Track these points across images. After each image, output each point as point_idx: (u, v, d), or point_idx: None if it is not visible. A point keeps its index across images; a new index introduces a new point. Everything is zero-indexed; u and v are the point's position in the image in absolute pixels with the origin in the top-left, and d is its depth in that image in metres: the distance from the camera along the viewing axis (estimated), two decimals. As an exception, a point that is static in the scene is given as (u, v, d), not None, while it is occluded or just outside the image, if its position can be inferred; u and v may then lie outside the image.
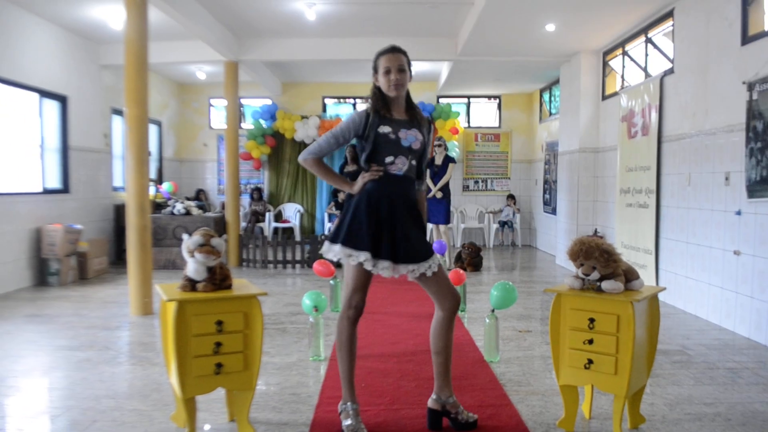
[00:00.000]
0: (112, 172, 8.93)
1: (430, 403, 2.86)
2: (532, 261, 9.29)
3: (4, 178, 6.62)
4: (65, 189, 7.68)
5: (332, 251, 2.75)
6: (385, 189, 2.75)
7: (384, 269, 2.69)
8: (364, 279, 2.76)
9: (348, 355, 2.81)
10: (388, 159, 2.76)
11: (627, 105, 6.80)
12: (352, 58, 8.68)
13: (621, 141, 6.93)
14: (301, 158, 2.87)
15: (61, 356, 4.08)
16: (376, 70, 2.83)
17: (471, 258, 7.90)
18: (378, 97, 2.82)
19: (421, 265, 2.72)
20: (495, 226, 11.15)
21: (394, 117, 2.82)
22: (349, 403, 2.80)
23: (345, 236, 2.73)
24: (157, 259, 7.85)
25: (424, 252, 2.75)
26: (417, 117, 2.86)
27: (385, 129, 2.76)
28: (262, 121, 10.96)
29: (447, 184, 7.89)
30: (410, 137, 2.78)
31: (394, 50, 2.81)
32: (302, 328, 4.80)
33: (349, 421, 2.75)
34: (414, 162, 2.83)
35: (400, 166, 2.77)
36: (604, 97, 7.87)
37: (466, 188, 11.64)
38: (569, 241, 2.69)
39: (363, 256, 2.67)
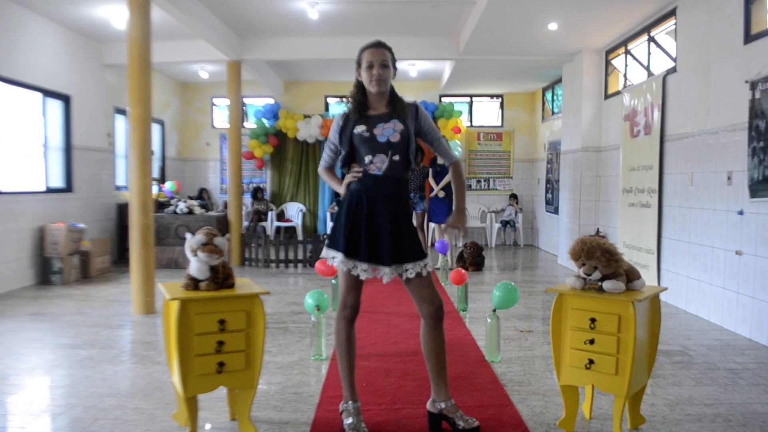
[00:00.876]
0: (115, 171, 8.95)
1: (428, 405, 2.85)
2: (534, 261, 9.28)
3: (8, 177, 6.64)
4: (68, 188, 7.71)
5: (324, 252, 2.84)
6: (366, 190, 2.73)
7: (363, 271, 2.70)
8: (354, 279, 2.75)
9: (347, 355, 2.81)
10: (367, 159, 2.73)
11: (629, 104, 6.79)
12: (355, 58, 8.66)
13: (623, 140, 6.93)
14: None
15: (64, 354, 4.10)
16: (359, 64, 2.80)
17: (473, 257, 7.90)
18: (358, 94, 2.79)
19: (398, 268, 2.70)
20: (497, 225, 11.15)
21: (371, 114, 2.78)
22: (350, 402, 2.81)
23: (330, 238, 2.81)
24: (160, 258, 7.87)
25: (405, 255, 2.69)
26: (397, 108, 2.78)
27: (359, 128, 2.74)
28: (264, 121, 10.97)
29: (449, 184, 7.90)
30: (387, 131, 2.72)
31: (378, 45, 2.77)
32: (304, 328, 4.81)
33: (350, 420, 2.76)
34: (397, 157, 2.72)
35: (378, 165, 2.72)
36: (607, 96, 7.86)
37: (468, 187, 11.63)
38: (571, 240, 2.68)
39: (339, 257, 2.71)
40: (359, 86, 2.81)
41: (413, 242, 2.74)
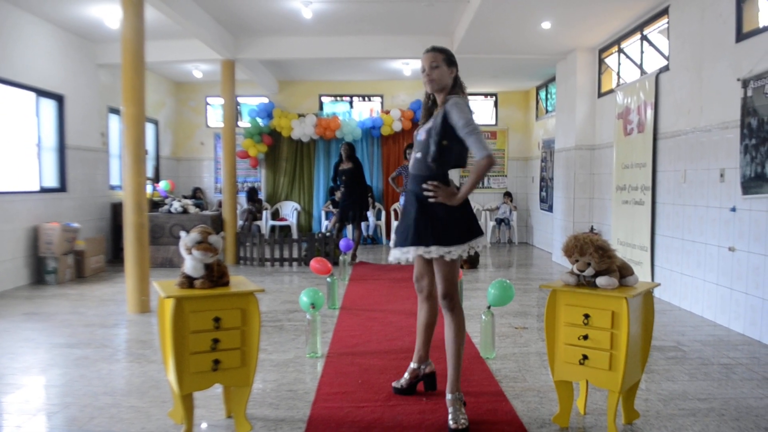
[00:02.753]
0: (109, 170, 8.92)
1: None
2: (528, 258, 9.31)
3: (2, 177, 6.62)
4: (62, 188, 7.68)
5: None
6: (409, 186, 3.05)
7: (402, 254, 2.96)
8: (418, 263, 3.08)
9: (419, 323, 3.19)
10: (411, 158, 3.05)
11: (623, 102, 6.83)
12: (349, 56, 8.71)
13: (617, 138, 6.96)
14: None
15: (59, 354, 4.09)
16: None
17: (468, 255, 7.91)
18: (428, 100, 3.04)
19: (424, 250, 2.87)
20: (492, 223, 11.18)
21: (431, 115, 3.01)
22: (411, 364, 3.22)
23: None
24: (155, 258, 7.86)
25: (431, 239, 2.85)
26: (438, 107, 2.97)
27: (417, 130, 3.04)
28: (258, 120, 10.96)
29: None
30: (422, 130, 2.96)
31: (428, 51, 2.97)
32: (299, 326, 4.82)
33: (405, 376, 3.21)
34: (419, 155, 2.94)
35: (411, 163, 3.01)
36: (600, 95, 7.89)
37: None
38: (565, 238, 2.73)
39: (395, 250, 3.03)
40: (428, 92, 3.04)
41: (441, 229, 2.86)
